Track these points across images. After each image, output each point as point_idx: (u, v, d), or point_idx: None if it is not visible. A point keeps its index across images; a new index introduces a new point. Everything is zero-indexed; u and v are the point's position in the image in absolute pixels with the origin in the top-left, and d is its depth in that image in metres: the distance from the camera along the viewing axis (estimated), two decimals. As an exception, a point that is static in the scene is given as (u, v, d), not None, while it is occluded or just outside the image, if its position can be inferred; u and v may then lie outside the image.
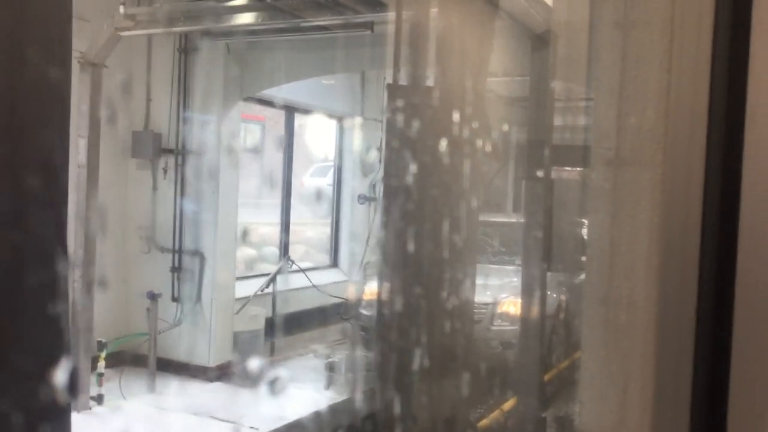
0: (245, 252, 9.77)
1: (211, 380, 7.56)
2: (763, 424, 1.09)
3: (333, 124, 10.96)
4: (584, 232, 7.61)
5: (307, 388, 7.53)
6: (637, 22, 1.28)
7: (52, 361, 1.69)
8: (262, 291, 8.72)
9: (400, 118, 3.96)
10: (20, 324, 1.53)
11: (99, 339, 6.65)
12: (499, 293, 7.38)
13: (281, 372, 8.00)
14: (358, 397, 6.77)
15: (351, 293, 10.08)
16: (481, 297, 6.88)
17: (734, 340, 1.10)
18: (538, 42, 5.01)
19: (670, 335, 1.17)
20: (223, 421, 6.40)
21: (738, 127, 1.09)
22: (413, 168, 3.97)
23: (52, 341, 1.71)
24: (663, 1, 1.23)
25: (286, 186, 10.00)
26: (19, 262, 1.50)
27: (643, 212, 1.21)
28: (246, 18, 6.48)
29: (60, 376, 1.72)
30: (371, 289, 8.02)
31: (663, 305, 1.18)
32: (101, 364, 6.57)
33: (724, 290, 1.10)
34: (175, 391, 7.14)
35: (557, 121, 5.70)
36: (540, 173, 5.15)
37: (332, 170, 11.18)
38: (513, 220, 9.08)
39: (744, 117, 1.09)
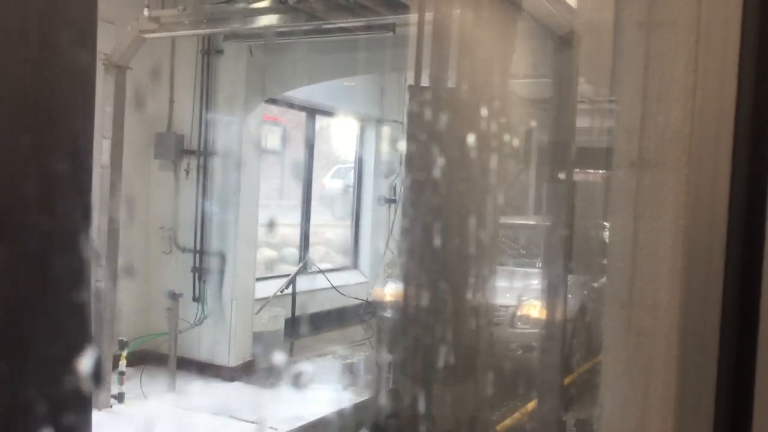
0: (265, 253, 9.81)
1: (231, 380, 7.60)
2: (790, 430, 1.07)
3: (354, 125, 10.98)
4: (606, 234, 7.55)
5: (326, 389, 7.54)
6: (663, 22, 1.27)
7: (77, 350, 1.71)
8: (281, 292, 8.76)
9: (421, 120, 3.95)
10: (46, 310, 1.55)
11: (120, 338, 6.72)
12: (520, 296, 7.34)
13: (300, 372, 8.02)
14: (377, 398, 6.77)
15: (370, 294, 10.09)
16: (501, 299, 6.85)
17: (760, 344, 1.08)
18: (560, 43, 4.98)
19: (694, 339, 1.16)
20: (242, 420, 6.43)
21: (765, 128, 1.07)
22: (434, 169, 3.96)
23: (77, 330, 1.72)
24: (689, 1, 1.22)
25: (306, 187, 10.03)
26: (47, 248, 1.52)
27: (667, 214, 1.20)
28: (268, 20, 6.51)
29: (84, 364, 1.74)
30: (391, 290, 8.02)
31: (687, 308, 1.16)
32: (122, 362, 6.63)
33: (750, 293, 1.08)
34: (196, 390, 7.19)
35: (580, 123, 5.66)
36: (562, 175, 5.11)
37: (353, 172, 11.20)
38: (534, 222, 9.03)
39: (772, 118, 1.07)
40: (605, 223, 7.77)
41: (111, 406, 6.47)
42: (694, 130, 1.16)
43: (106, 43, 6.38)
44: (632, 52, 1.34)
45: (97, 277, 6.27)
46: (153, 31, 6.53)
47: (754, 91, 1.10)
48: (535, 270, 7.58)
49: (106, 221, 6.42)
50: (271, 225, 7.77)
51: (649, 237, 1.25)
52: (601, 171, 9.06)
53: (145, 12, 6.43)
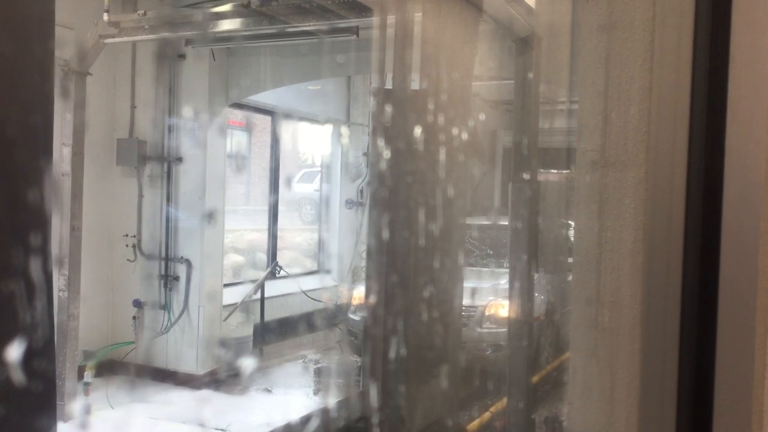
0: (233, 258, 9.73)
1: (199, 388, 7.51)
2: (749, 419, 1.10)
3: (320, 129, 10.95)
4: (570, 233, 7.65)
5: (295, 394, 7.51)
6: (619, 24, 1.29)
7: (37, 366, 1.68)
8: (250, 297, 8.69)
9: (386, 122, 3.96)
10: (4, 324, 1.51)
11: (85, 348, 6.60)
12: (487, 296, 7.39)
13: (269, 378, 7.97)
14: (347, 401, 6.76)
15: (339, 298, 10.07)
16: (469, 300, 6.90)
17: (719, 336, 1.10)
18: (522, 45, 5.04)
19: (656, 333, 1.18)
20: (211, 428, 6.36)
21: (719, 125, 1.10)
22: (400, 172, 3.97)
23: (37, 345, 1.69)
24: (644, 3, 1.25)
25: (273, 192, 9.98)
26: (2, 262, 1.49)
27: (627, 211, 1.22)
28: (231, 24, 6.47)
29: (45, 381, 1.71)
30: (360, 293, 8.02)
31: (648, 303, 1.19)
32: (88, 373, 6.51)
33: (708, 286, 1.11)
34: (163, 399, 7.09)
35: (542, 124, 5.73)
36: (526, 175, 5.17)
37: (319, 176, 11.17)
38: (500, 222, 9.11)
39: (725, 114, 1.10)
40: (570, 222, 7.87)
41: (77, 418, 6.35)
42: (651, 128, 1.19)
43: (65, 49, 6.28)
44: (592, 53, 1.36)
45: (60, 287, 6.16)
46: (113, 36, 6.43)
47: (707, 88, 1.13)
48: (503, 270, 7.64)
49: (68, 230, 6.30)
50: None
51: (611, 234, 1.28)
52: (564, 171, 9.19)
53: (105, 17, 6.33)
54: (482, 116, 9.44)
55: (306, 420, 6.43)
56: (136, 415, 6.67)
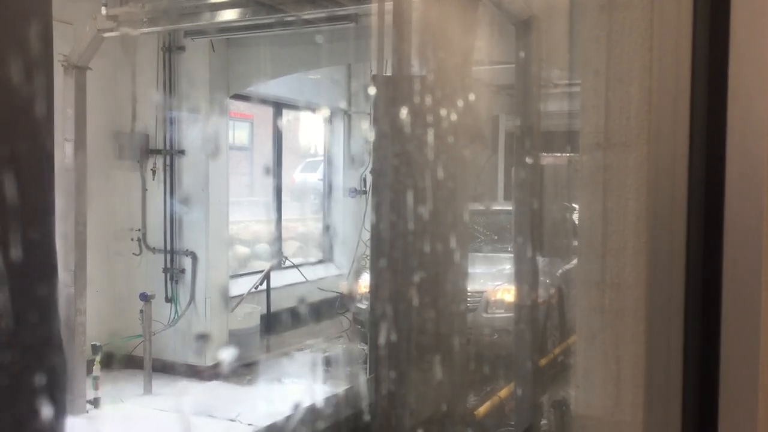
0: (238, 250, 9.75)
1: (208, 379, 7.55)
2: (755, 401, 1.10)
3: (321, 118, 10.93)
4: (574, 216, 7.63)
5: (303, 383, 7.53)
6: (619, 3, 1.28)
7: (46, 364, 1.68)
8: (256, 288, 8.70)
9: (386, 110, 3.95)
10: (11, 325, 1.51)
11: (93, 342, 6.63)
12: (493, 281, 7.39)
13: (277, 368, 8.00)
14: (355, 389, 6.78)
15: (345, 287, 10.09)
16: (474, 285, 6.89)
17: (723, 315, 1.10)
18: (522, 28, 5.00)
19: (660, 314, 1.17)
20: (220, 419, 6.39)
21: (721, 102, 1.09)
22: (402, 159, 3.96)
23: (45, 343, 1.69)
24: (643, -19, 1.23)
25: (276, 183, 9.98)
26: (5, 266, 1.48)
27: (630, 192, 1.21)
28: (229, 15, 6.45)
29: (54, 376, 1.71)
30: (365, 282, 8.02)
31: (652, 285, 1.18)
32: (96, 367, 6.54)
33: (712, 266, 1.10)
34: (172, 391, 7.12)
35: (544, 107, 5.70)
36: (529, 160, 5.15)
37: (322, 165, 11.16)
38: (504, 207, 9.09)
39: (726, 91, 1.09)
40: (574, 205, 7.85)
41: (87, 411, 6.38)
42: (652, 107, 1.18)
43: (64, 43, 6.26)
44: (593, 34, 1.35)
45: (66, 282, 6.17)
46: (112, 30, 6.41)
47: (708, 65, 1.11)
48: (508, 255, 7.63)
49: (72, 225, 6.31)
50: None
51: (614, 215, 1.27)
52: (566, 154, 9.16)
53: (103, 10, 6.31)
54: (484, 101, 9.40)
55: (313, 409, 6.45)
56: (146, 407, 6.70)
